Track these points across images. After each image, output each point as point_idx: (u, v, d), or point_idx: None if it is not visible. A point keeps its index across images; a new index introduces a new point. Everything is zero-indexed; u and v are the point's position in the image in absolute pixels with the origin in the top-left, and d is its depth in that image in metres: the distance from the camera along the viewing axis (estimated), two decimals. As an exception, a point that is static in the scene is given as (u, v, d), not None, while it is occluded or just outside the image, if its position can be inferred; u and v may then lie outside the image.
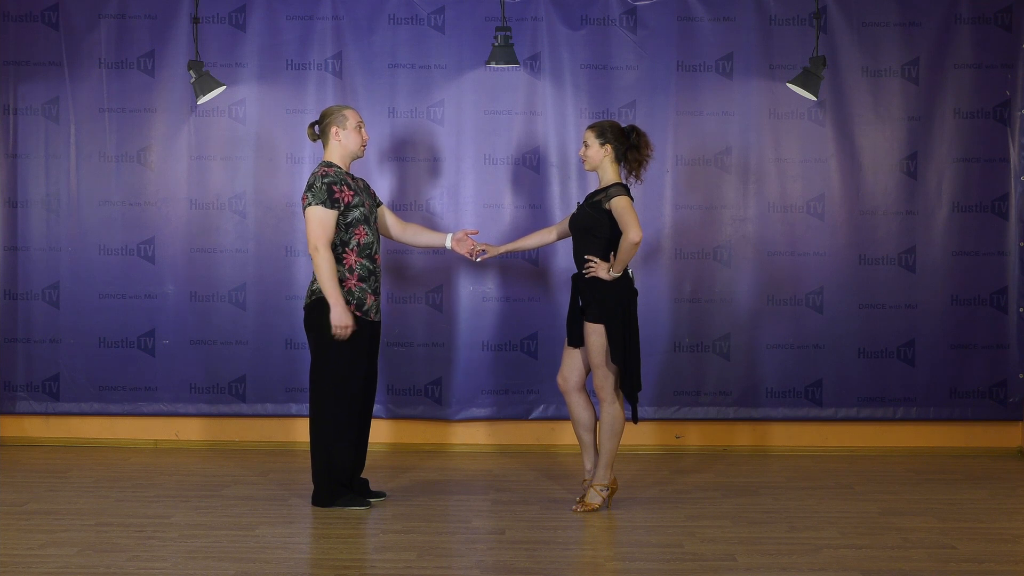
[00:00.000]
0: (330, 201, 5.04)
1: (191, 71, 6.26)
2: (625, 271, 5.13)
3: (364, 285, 5.15)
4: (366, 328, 5.17)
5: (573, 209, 6.53)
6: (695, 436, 6.62)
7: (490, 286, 6.56)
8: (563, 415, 6.56)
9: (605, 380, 5.11)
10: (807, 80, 6.20)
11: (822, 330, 6.54)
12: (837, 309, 6.54)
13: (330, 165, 5.17)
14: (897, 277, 6.54)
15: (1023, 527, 4.98)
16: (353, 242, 5.11)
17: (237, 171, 6.57)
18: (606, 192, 5.12)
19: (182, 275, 6.57)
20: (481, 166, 6.55)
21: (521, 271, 6.53)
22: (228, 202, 6.59)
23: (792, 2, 6.48)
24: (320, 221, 5.03)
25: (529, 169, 6.55)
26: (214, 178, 6.57)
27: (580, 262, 5.20)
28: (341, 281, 5.09)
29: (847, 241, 6.54)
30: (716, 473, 6.06)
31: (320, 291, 5.08)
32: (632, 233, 4.95)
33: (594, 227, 5.11)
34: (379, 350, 5.41)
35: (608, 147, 5.17)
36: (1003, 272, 6.54)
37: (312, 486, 5.26)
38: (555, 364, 6.52)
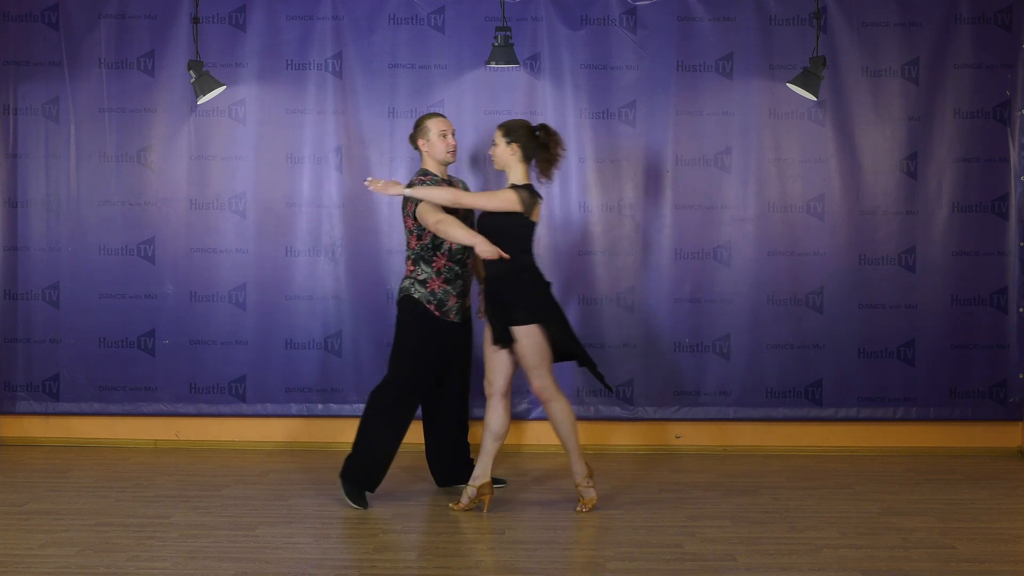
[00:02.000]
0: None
1: (191, 71, 6.26)
2: (536, 266, 5.20)
3: (448, 287, 5.31)
4: (443, 329, 5.31)
5: (573, 208, 6.54)
6: (695, 436, 6.62)
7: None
8: (563, 415, 6.57)
9: (544, 379, 5.13)
10: (807, 80, 6.20)
11: (822, 330, 6.54)
12: (837, 309, 6.53)
13: (426, 174, 5.35)
14: (897, 277, 6.54)
15: (1023, 527, 4.98)
16: (445, 246, 5.28)
17: (237, 171, 6.56)
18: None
19: (182, 275, 6.57)
20: (481, 166, 6.55)
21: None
22: (228, 202, 6.59)
23: (792, 2, 6.48)
24: (435, 213, 5.16)
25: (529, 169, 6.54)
26: (214, 178, 6.57)
27: (487, 268, 5.19)
28: (425, 282, 5.28)
29: (847, 241, 6.53)
30: (716, 473, 6.05)
31: (404, 290, 5.31)
32: (468, 198, 5.07)
33: (503, 232, 5.12)
34: (468, 353, 5.53)
35: (515, 146, 5.17)
36: (1003, 272, 6.54)
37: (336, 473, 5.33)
38: (555, 364, 6.52)
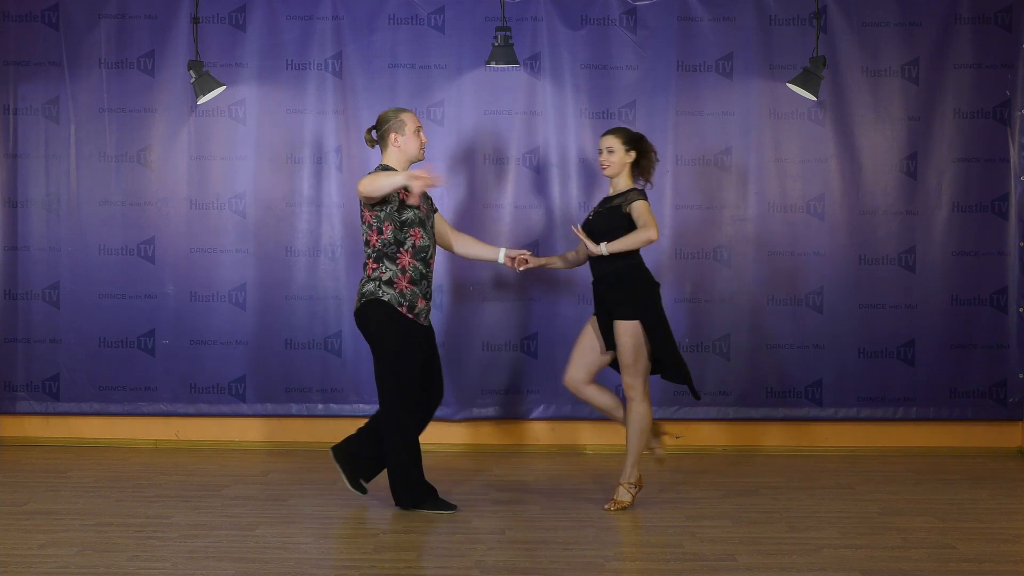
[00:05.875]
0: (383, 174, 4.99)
1: (191, 71, 6.26)
2: (644, 265, 5.20)
3: (415, 288, 5.09)
4: (417, 331, 5.12)
5: (573, 208, 6.55)
6: (695, 436, 6.61)
7: (490, 286, 6.56)
8: (562, 415, 6.57)
9: (635, 378, 5.14)
10: (807, 80, 6.20)
11: (822, 330, 6.54)
12: (837, 309, 6.53)
13: (387, 168, 5.13)
14: (897, 277, 6.54)
15: (1023, 527, 4.98)
16: (408, 243, 5.07)
17: (237, 171, 6.57)
18: (625, 196, 5.16)
19: (182, 275, 6.57)
20: (481, 166, 6.55)
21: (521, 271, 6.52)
22: (228, 202, 6.59)
23: (792, 2, 6.48)
24: (371, 177, 4.95)
25: (529, 169, 6.55)
26: (214, 178, 6.57)
27: (596, 268, 5.22)
28: (392, 282, 5.05)
29: (847, 241, 6.54)
30: (716, 473, 6.05)
31: (369, 293, 5.04)
32: (652, 231, 5.00)
33: (615, 231, 5.12)
34: (438, 356, 5.34)
35: (633, 153, 5.23)
36: (1003, 272, 6.54)
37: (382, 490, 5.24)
38: (555, 364, 6.52)
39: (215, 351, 6.58)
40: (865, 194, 6.54)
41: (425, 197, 5.23)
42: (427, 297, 5.16)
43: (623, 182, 5.25)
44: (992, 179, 6.53)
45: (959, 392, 6.56)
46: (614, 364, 5.28)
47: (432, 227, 5.22)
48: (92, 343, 6.59)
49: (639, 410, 5.15)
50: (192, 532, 4.75)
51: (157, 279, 6.58)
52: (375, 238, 5.07)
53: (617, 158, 5.22)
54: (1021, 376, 6.55)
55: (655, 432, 5.36)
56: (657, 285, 5.23)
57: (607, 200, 5.29)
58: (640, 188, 5.25)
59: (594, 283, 5.27)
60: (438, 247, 5.43)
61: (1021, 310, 6.55)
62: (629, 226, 5.12)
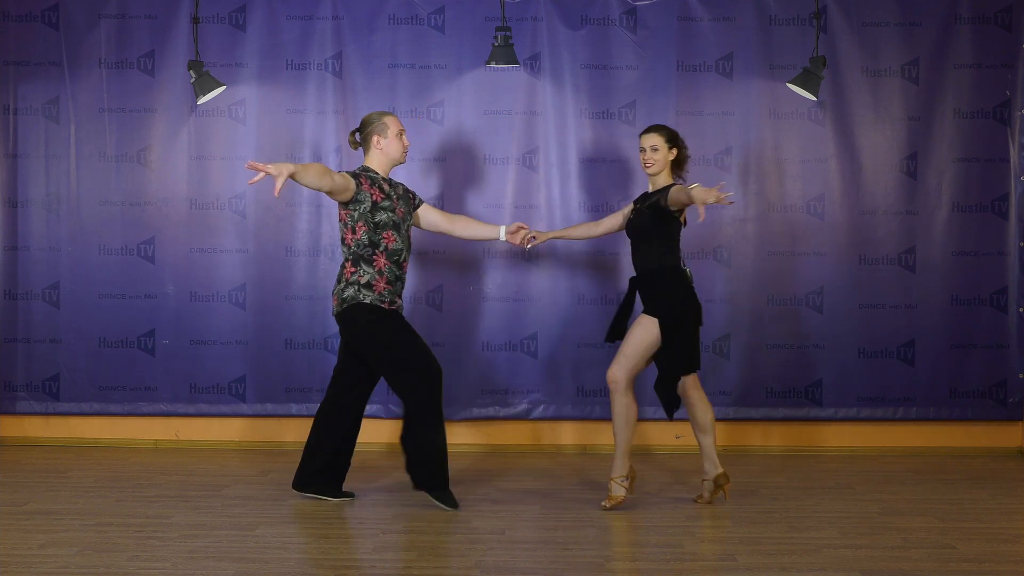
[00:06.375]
0: (353, 177, 5.09)
1: (191, 71, 6.26)
2: (682, 269, 5.21)
3: (392, 288, 5.17)
4: (402, 318, 5.20)
5: (573, 208, 6.55)
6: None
7: (490, 286, 6.56)
8: (562, 415, 6.57)
9: (622, 371, 5.15)
10: (807, 80, 6.20)
11: (822, 330, 6.54)
12: (837, 309, 6.54)
13: (367, 170, 5.22)
14: (897, 277, 6.54)
15: (1023, 527, 4.98)
16: (382, 245, 5.13)
17: (237, 171, 6.57)
18: (664, 192, 5.19)
19: (182, 275, 6.58)
20: (481, 166, 6.55)
21: (521, 271, 6.54)
22: (228, 202, 6.59)
23: (792, 2, 6.49)
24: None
25: (529, 169, 6.55)
26: (214, 178, 6.57)
27: (640, 266, 5.24)
28: (371, 284, 5.11)
29: (847, 241, 6.54)
30: (716, 473, 6.05)
31: (350, 299, 5.11)
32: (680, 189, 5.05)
33: (652, 227, 5.17)
34: None
35: (675, 150, 5.30)
36: (1003, 272, 6.54)
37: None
38: (555, 364, 6.54)
39: (215, 351, 6.58)
40: (865, 194, 6.54)
41: (404, 200, 5.28)
42: (401, 297, 5.26)
43: (663, 179, 5.30)
44: (992, 179, 6.53)
45: (959, 392, 6.56)
46: (655, 359, 5.24)
47: (408, 231, 5.28)
48: (92, 343, 6.60)
49: (623, 402, 5.15)
50: (192, 532, 4.75)
51: (157, 279, 6.59)
52: (350, 237, 5.15)
53: (661, 156, 5.27)
54: (1021, 376, 6.55)
55: (719, 484, 5.32)
56: (692, 293, 5.19)
57: (645, 196, 5.34)
58: (678, 183, 5.29)
59: (635, 279, 5.30)
60: (439, 232, 5.55)
61: (1021, 310, 6.55)
62: (669, 221, 5.16)
